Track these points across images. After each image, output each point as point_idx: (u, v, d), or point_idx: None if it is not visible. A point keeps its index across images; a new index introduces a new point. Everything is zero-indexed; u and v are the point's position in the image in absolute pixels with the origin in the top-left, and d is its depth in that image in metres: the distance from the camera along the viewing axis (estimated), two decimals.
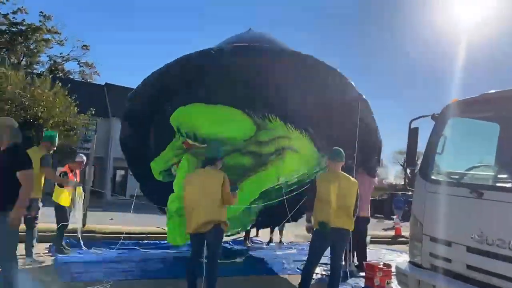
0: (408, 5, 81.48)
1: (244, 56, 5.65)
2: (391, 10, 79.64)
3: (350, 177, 5.06)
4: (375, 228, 13.83)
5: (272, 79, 5.72)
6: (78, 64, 35.67)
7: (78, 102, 22.46)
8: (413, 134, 4.35)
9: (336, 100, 6.07)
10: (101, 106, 26.94)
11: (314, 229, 4.89)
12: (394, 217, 17.83)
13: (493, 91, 3.92)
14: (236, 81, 5.68)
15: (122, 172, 28.44)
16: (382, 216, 22.67)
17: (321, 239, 4.85)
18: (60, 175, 7.06)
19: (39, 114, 20.16)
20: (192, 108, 5.86)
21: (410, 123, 4.42)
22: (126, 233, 9.25)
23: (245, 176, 6.09)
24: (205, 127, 5.86)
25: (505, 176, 3.74)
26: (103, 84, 31.19)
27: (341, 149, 5.05)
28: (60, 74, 32.81)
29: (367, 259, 6.96)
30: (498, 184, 3.56)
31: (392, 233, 13.87)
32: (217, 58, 5.56)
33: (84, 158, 7.64)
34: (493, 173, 3.93)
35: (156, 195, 6.99)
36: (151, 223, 10.64)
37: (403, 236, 12.59)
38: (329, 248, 4.93)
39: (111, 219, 12.60)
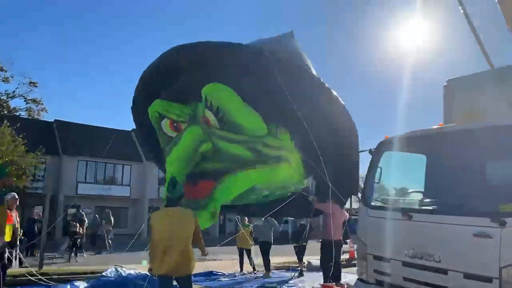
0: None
1: (284, 70, 6.14)
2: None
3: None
4: None
5: (297, 101, 6.24)
6: (24, 101, 34.55)
7: (26, 140, 21.84)
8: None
9: (339, 138, 6.61)
10: (50, 144, 26.25)
11: None
12: (348, 241, 18.63)
13: (418, 129, 4.71)
14: (269, 87, 6.14)
15: (74, 210, 27.51)
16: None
17: None
18: None
19: None
20: (226, 88, 6.28)
21: None
22: (83, 273, 9.26)
23: (241, 168, 6.48)
24: (230, 105, 6.28)
25: (431, 200, 4.46)
26: (52, 121, 30.44)
27: None
28: (5, 112, 31.62)
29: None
30: (423, 207, 4.26)
31: (346, 256, 14.56)
32: (264, 63, 6.05)
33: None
34: (421, 198, 4.66)
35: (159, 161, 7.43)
36: (110, 262, 10.62)
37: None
38: None
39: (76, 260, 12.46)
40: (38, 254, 10.83)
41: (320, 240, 8.17)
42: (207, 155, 6.61)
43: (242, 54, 6.28)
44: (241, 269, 10.83)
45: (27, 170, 21.55)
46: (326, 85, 6.43)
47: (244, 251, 10.91)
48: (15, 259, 7.88)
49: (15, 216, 7.42)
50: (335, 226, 7.48)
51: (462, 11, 2.44)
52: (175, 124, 6.98)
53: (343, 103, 6.56)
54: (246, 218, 11.13)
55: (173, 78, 6.80)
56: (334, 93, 6.48)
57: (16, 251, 7.83)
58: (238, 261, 11.12)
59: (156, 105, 7.00)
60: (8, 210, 7.16)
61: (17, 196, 7.55)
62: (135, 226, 29.59)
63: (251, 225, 10.86)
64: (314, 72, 6.78)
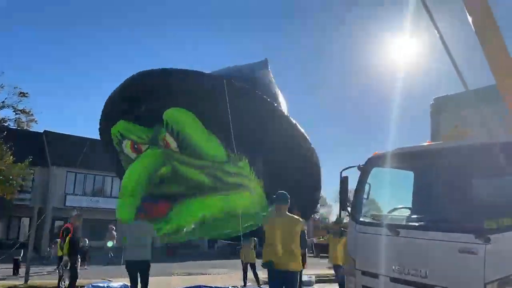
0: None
1: (243, 96, 6.23)
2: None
3: (292, 216, 5.38)
4: (321, 267, 14.47)
5: (257, 129, 6.31)
6: (13, 111, 34.22)
7: (13, 150, 21.59)
8: (343, 182, 5.08)
9: (297, 162, 6.70)
10: (39, 155, 25.98)
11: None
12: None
13: (406, 146, 4.80)
14: (226, 113, 6.11)
15: (61, 223, 27.13)
16: (327, 255, 23.43)
17: (270, 278, 5.28)
18: (62, 232, 8.10)
19: None
20: (187, 113, 6.32)
21: (340, 173, 5.16)
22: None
23: (201, 193, 6.45)
24: (190, 130, 6.31)
25: (418, 216, 4.53)
26: (42, 132, 30.20)
27: (286, 193, 5.42)
28: None
29: None
30: (410, 223, 4.32)
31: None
32: (222, 88, 6.10)
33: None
34: (409, 214, 4.72)
35: None
36: (98, 275, 10.49)
37: None
38: None
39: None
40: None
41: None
42: (166, 178, 6.61)
43: (204, 81, 6.42)
44: (245, 284, 10.81)
45: (14, 181, 21.24)
46: (285, 113, 6.65)
47: (249, 266, 10.88)
48: None
49: None
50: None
51: (437, 35, 2.54)
52: (135, 146, 7.02)
53: (302, 129, 6.80)
54: None
55: (137, 102, 6.92)
56: (293, 120, 6.72)
57: None
58: (229, 275, 11.08)
59: (119, 126, 7.07)
60: None
61: None
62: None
63: (255, 238, 10.86)
64: (279, 101, 7.03)
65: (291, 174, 6.80)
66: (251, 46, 78.49)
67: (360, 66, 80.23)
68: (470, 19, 2.98)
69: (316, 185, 7.08)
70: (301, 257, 5.33)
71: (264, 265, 5.25)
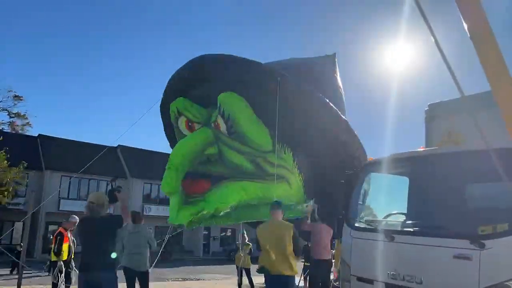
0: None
1: (297, 92, 6.25)
2: None
3: (284, 221, 5.52)
4: None
5: (305, 123, 6.32)
6: (8, 115, 34.11)
7: (8, 155, 21.49)
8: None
9: (343, 163, 6.62)
10: (33, 159, 25.85)
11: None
12: (333, 261, 18.60)
13: (401, 152, 4.82)
14: (277, 106, 6.12)
15: (55, 227, 26.95)
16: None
17: (266, 284, 5.38)
18: (56, 237, 7.92)
19: None
20: (240, 98, 6.40)
21: None
22: None
23: (240, 177, 6.52)
24: (241, 116, 6.36)
25: (413, 221, 4.53)
26: (36, 135, 30.08)
27: (279, 200, 5.73)
28: None
29: None
30: (405, 229, 4.32)
31: (331, 277, 14.56)
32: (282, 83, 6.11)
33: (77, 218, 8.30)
34: (404, 220, 4.73)
35: None
36: None
37: None
38: None
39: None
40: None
41: (302, 260, 8.19)
42: (212, 159, 6.72)
43: (261, 73, 6.48)
44: None
45: (10, 187, 21.12)
46: (338, 112, 6.52)
47: (244, 271, 10.82)
48: None
49: None
50: (324, 245, 7.57)
51: (433, 40, 2.56)
52: (190, 124, 7.15)
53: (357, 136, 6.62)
54: (247, 237, 11.10)
55: (197, 82, 7.05)
56: (346, 120, 6.58)
57: None
58: (223, 281, 11.04)
59: (178, 102, 7.21)
60: None
61: None
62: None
63: (250, 244, 10.83)
64: (338, 100, 7.06)
65: (332, 174, 6.72)
66: (250, 47, 78.79)
67: (357, 69, 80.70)
68: (465, 25, 3.00)
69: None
70: (295, 263, 5.32)
71: (258, 271, 5.33)
